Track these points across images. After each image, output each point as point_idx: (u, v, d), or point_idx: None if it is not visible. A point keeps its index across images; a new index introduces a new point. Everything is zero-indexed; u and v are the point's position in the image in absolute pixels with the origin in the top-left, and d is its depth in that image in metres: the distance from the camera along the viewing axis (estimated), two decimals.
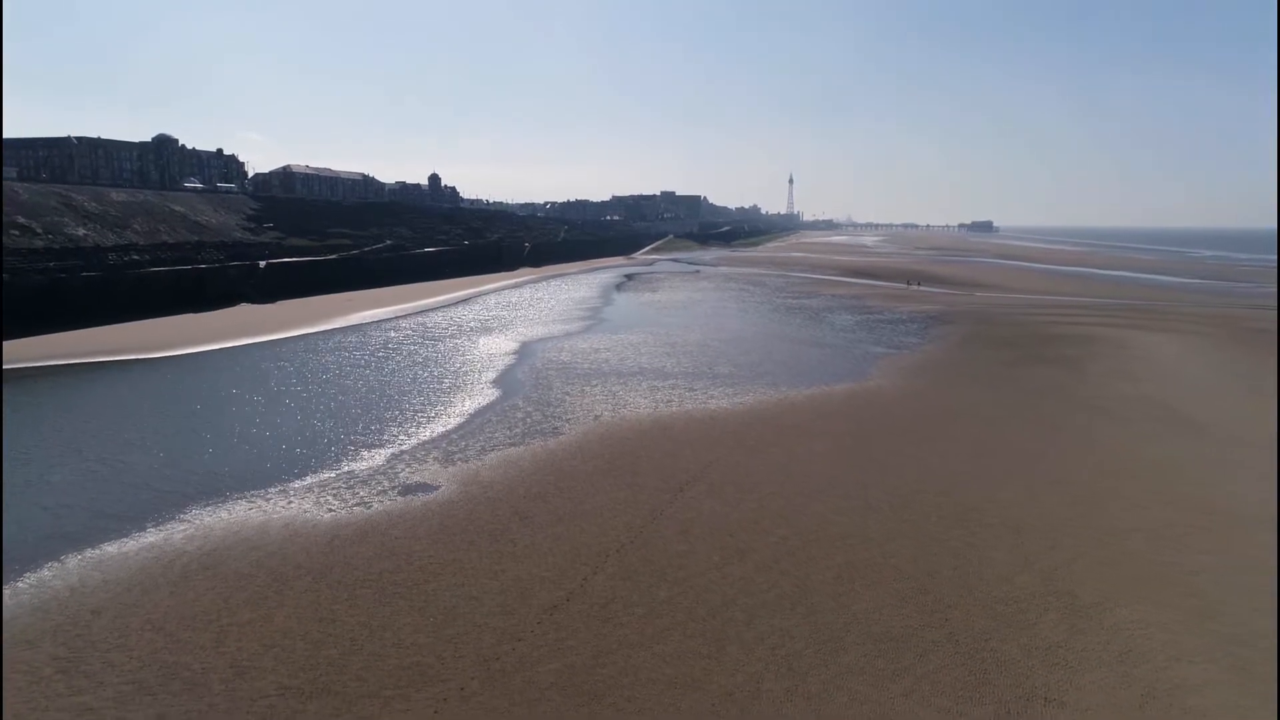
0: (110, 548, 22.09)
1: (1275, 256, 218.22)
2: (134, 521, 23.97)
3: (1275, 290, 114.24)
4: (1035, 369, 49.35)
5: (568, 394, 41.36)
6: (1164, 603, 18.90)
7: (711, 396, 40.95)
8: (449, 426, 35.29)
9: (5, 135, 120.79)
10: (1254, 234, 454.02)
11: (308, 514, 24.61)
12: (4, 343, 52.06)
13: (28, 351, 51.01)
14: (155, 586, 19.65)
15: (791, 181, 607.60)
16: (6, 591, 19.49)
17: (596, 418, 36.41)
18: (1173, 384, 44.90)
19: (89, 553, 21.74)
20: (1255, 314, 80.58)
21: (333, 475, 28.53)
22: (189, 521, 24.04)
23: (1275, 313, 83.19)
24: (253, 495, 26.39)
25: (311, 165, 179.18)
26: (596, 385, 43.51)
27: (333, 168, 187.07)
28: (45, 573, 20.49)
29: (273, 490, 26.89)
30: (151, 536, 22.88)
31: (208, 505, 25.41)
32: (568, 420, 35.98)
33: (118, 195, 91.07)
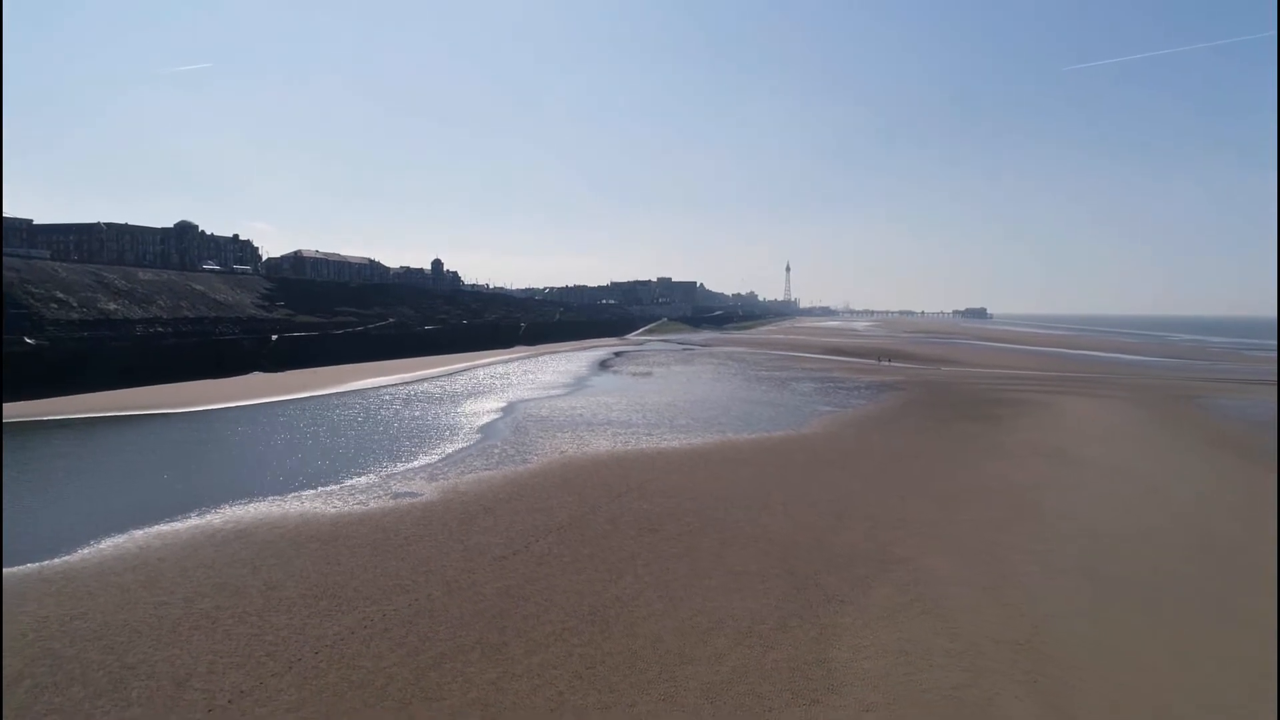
0: (163, 527, 28.40)
1: (1250, 339, 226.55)
2: (178, 515, 30.21)
3: (1222, 369, 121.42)
4: (961, 424, 55.75)
5: (541, 437, 47.86)
6: (959, 557, 25.12)
7: (665, 440, 47.43)
8: (435, 459, 41.70)
9: (41, 221, 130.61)
10: (1259, 321, 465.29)
11: (317, 509, 30.95)
12: (46, 400, 59.09)
13: (66, 406, 57.75)
14: (201, 548, 25.92)
15: (788, 269, 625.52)
16: (86, 551, 25.72)
17: (562, 452, 42.85)
18: (1073, 434, 51.30)
19: (148, 529, 28.05)
20: (1189, 384, 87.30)
21: (337, 487, 34.91)
22: (222, 514, 30.34)
23: (1206, 383, 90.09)
24: (271, 499, 32.72)
25: (321, 250, 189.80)
26: (568, 432, 50.02)
27: (341, 253, 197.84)
28: (119, 539, 26.82)
29: (288, 496, 33.26)
30: (194, 521, 29.20)
31: (236, 504, 31.75)
32: (536, 455, 42.41)
33: (144, 274, 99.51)
